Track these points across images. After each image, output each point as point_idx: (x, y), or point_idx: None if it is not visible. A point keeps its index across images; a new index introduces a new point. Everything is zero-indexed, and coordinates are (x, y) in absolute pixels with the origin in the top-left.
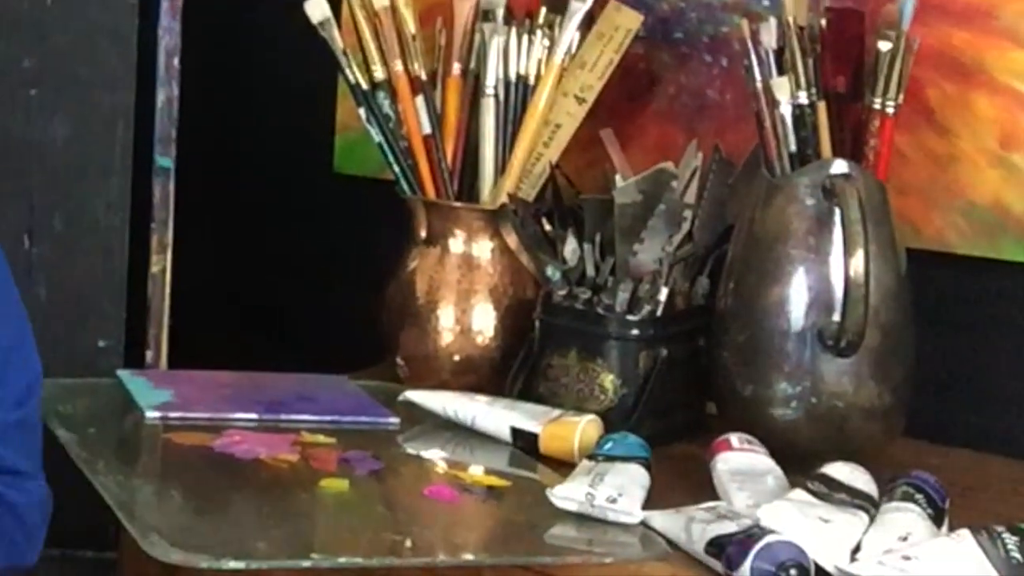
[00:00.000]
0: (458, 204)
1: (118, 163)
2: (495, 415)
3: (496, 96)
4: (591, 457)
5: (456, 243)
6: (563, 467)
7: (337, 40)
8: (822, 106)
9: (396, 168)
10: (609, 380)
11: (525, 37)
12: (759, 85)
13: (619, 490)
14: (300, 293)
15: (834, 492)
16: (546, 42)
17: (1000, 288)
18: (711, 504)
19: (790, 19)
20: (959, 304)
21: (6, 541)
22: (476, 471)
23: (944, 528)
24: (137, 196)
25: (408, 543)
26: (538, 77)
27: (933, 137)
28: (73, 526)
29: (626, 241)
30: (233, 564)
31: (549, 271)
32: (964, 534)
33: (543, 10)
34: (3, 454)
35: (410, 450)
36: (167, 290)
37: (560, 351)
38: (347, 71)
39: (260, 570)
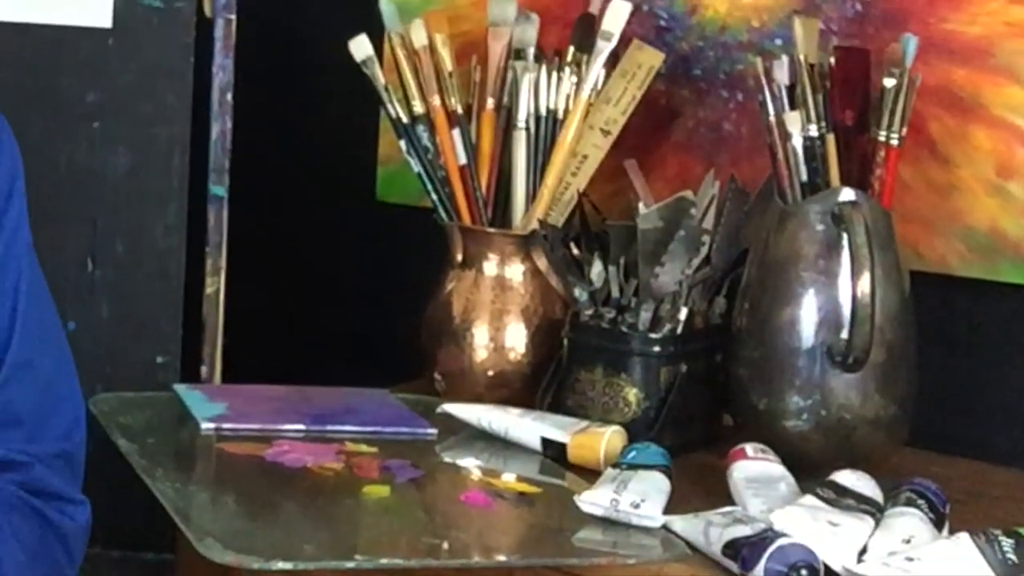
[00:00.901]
0: (492, 230)
1: (175, 191)
2: (526, 426)
3: (527, 129)
4: (615, 465)
5: (490, 266)
6: (590, 475)
7: (379, 77)
8: (831, 138)
9: (434, 196)
10: (632, 394)
11: (554, 74)
12: (772, 119)
13: (642, 496)
14: (344, 312)
15: (842, 498)
16: (574, 79)
17: (997, 308)
18: (727, 509)
19: (801, 57)
20: (959, 323)
21: (51, 563)
22: (509, 478)
23: (944, 531)
24: (193, 222)
25: (445, 545)
26: (566, 111)
27: (934, 167)
28: (133, 529)
29: (648, 264)
30: (282, 565)
31: (577, 292)
32: (963, 537)
33: (571, 49)
34: (52, 482)
35: (447, 459)
36: (221, 310)
37: (587, 367)
38: (388, 106)
39: (307, 570)
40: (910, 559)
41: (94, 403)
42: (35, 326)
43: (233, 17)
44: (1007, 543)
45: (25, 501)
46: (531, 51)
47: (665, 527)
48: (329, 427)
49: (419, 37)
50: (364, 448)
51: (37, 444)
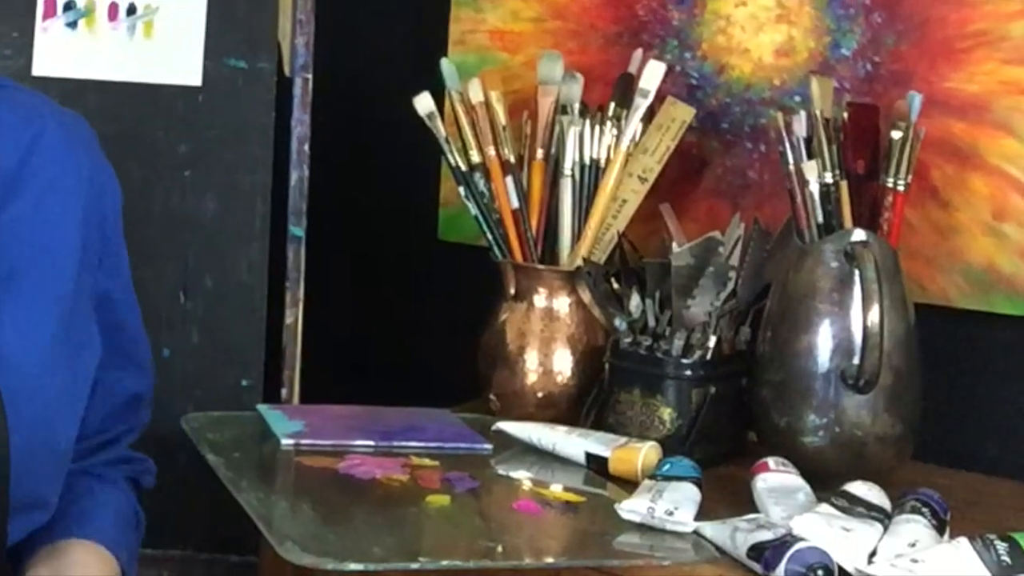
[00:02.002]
0: (541, 266)
1: (258, 232)
2: (572, 442)
3: (573, 176)
4: (652, 477)
5: (540, 299)
6: (628, 485)
7: (441, 129)
8: (844, 185)
9: (490, 236)
10: (667, 413)
11: (597, 127)
12: (792, 167)
13: (675, 504)
14: (409, 339)
15: (854, 506)
16: (614, 131)
17: (993, 337)
18: (752, 516)
19: (818, 112)
20: (958, 350)
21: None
22: (556, 489)
23: (946, 536)
24: (274, 259)
25: (499, 549)
26: (608, 161)
27: (937, 210)
28: (220, 534)
29: (681, 297)
30: (353, 566)
31: (617, 322)
32: (962, 541)
33: (612, 105)
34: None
35: (501, 471)
36: (299, 338)
37: (626, 389)
38: (449, 155)
39: (376, 571)
40: (915, 561)
41: (185, 421)
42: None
43: (310, 76)
44: (1002, 547)
45: (133, 478)
46: (576, 107)
47: (696, 532)
48: (396, 443)
49: (476, 94)
50: (427, 462)
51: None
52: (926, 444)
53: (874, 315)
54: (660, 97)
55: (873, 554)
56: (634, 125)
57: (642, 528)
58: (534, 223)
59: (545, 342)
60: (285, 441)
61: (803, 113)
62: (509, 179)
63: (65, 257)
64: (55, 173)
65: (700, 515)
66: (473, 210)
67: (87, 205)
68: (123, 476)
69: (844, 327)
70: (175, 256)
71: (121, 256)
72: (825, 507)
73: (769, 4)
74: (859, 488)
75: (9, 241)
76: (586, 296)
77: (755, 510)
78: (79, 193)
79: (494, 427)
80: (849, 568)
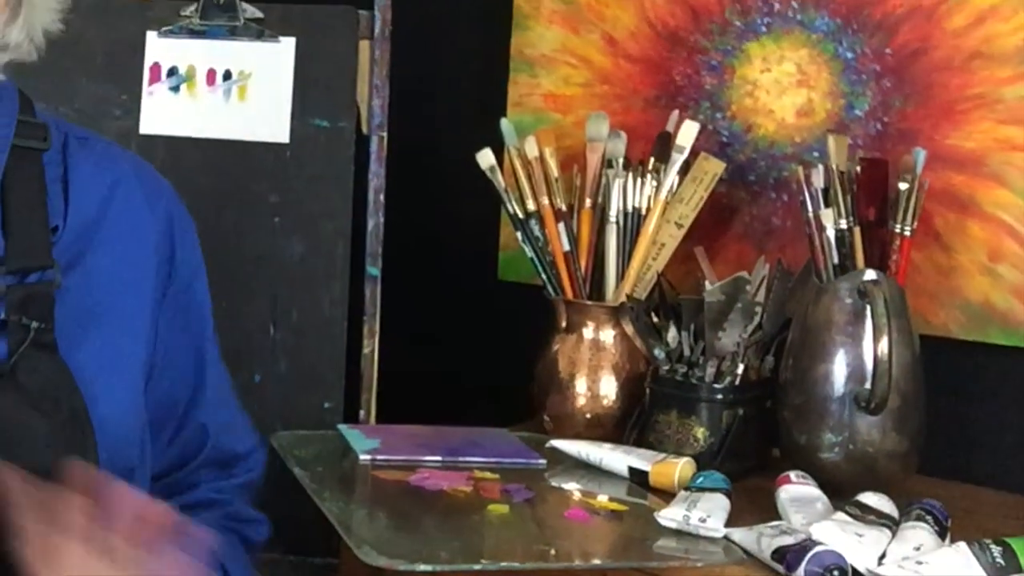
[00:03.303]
0: (589, 302)
1: (339, 272)
2: (616, 457)
3: (617, 223)
4: (687, 488)
5: (588, 331)
6: (666, 496)
7: (500, 181)
8: (857, 230)
9: (544, 276)
10: (700, 432)
11: (639, 179)
12: (811, 215)
13: (708, 513)
14: (472, 367)
15: (866, 514)
16: (654, 183)
17: (989, 364)
18: (776, 523)
19: (834, 166)
20: (958, 376)
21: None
22: (603, 499)
23: (947, 541)
24: (353, 296)
25: (552, 552)
26: (648, 209)
27: (939, 253)
28: (306, 539)
29: (713, 329)
30: (423, 567)
31: (656, 352)
32: (961, 545)
33: (652, 159)
34: (245, 511)
35: (554, 483)
36: (375, 365)
37: (664, 410)
38: (507, 204)
39: (443, 572)
40: (920, 563)
41: (274, 439)
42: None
43: (385, 134)
44: (996, 550)
45: (234, 529)
46: (620, 161)
47: (726, 537)
48: (460, 458)
49: (532, 150)
50: (488, 475)
51: (232, 479)
52: (929, 459)
53: (883, 346)
54: (694, 153)
55: (883, 557)
56: (671, 177)
57: (678, 534)
58: (583, 264)
59: (593, 369)
60: (363, 457)
61: (821, 167)
62: (561, 225)
63: (144, 296)
64: (134, 220)
65: (730, 522)
66: (529, 253)
67: (158, 244)
68: (225, 527)
69: (857, 356)
70: (266, 293)
71: (191, 308)
72: (840, 515)
73: (791, 70)
74: (870, 498)
75: (94, 284)
76: (629, 329)
77: (778, 517)
78: (155, 238)
79: (548, 444)
80: (862, 569)
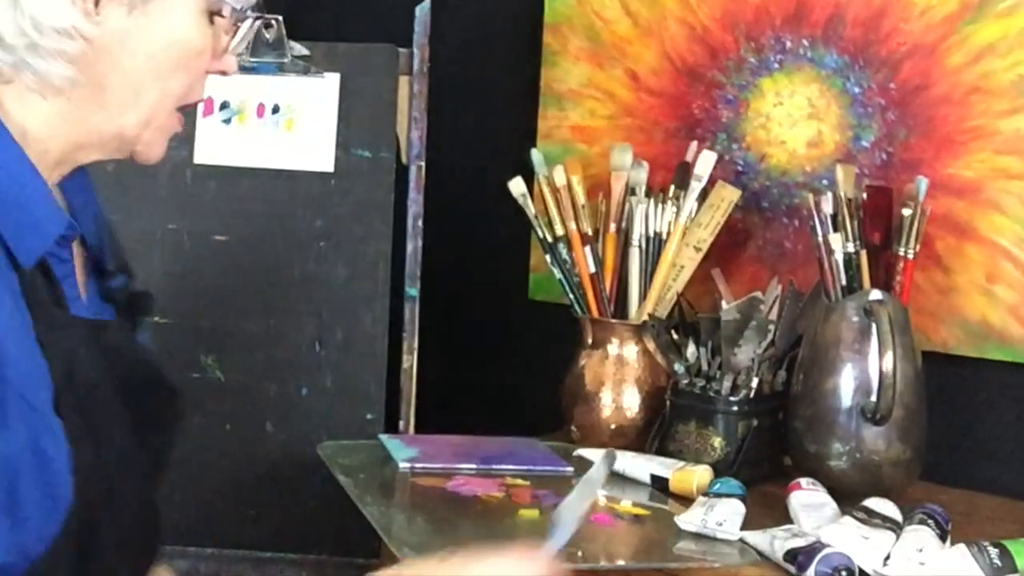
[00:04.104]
0: (614, 320)
1: (380, 292)
2: (639, 465)
3: (639, 247)
4: (705, 494)
5: (612, 347)
6: (686, 501)
7: (530, 207)
8: (864, 253)
9: (571, 296)
10: (717, 441)
11: (660, 206)
12: (820, 239)
13: (724, 517)
14: (505, 380)
15: (872, 518)
16: (674, 209)
17: (986, 378)
18: (788, 526)
19: (842, 194)
20: (958, 389)
21: None
22: (626, 504)
23: (947, 543)
24: (393, 315)
25: (580, 553)
26: (668, 233)
27: (939, 274)
28: (349, 541)
29: (729, 346)
30: None
31: (676, 366)
32: (961, 547)
33: (672, 187)
34: None
35: None
36: (413, 380)
37: (683, 421)
38: (537, 229)
39: None
40: (922, 563)
41: (320, 448)
42: None
43: (423, 163)
44: (993, 552)
45: None
46: (643, 189)
47: (741, 540)
48: (494, 466)
49: (560, 178)
50: (519, 482)
51: None
52: (931, 467)
53: (888, 361)
54: (712, 181)
55: (887, 558)
56: (690, 204)
57: (697, 536)
58: (608, 285)
59: (617, 383)
60: (402, 465)
61: (830, 194)
62: (587, 249)
63: None
64: None
65: (745, 525)
66: (557, 274)
67: None
68: None
69: (863, 371)
70: (312, 312)
71: None
72: (848, 519)
73: (802, 104)
74: (876, 503)
75: None
76: (651, 345)
77: (790, 521)
78: None
79: (575, 453)
80: (868, 569)
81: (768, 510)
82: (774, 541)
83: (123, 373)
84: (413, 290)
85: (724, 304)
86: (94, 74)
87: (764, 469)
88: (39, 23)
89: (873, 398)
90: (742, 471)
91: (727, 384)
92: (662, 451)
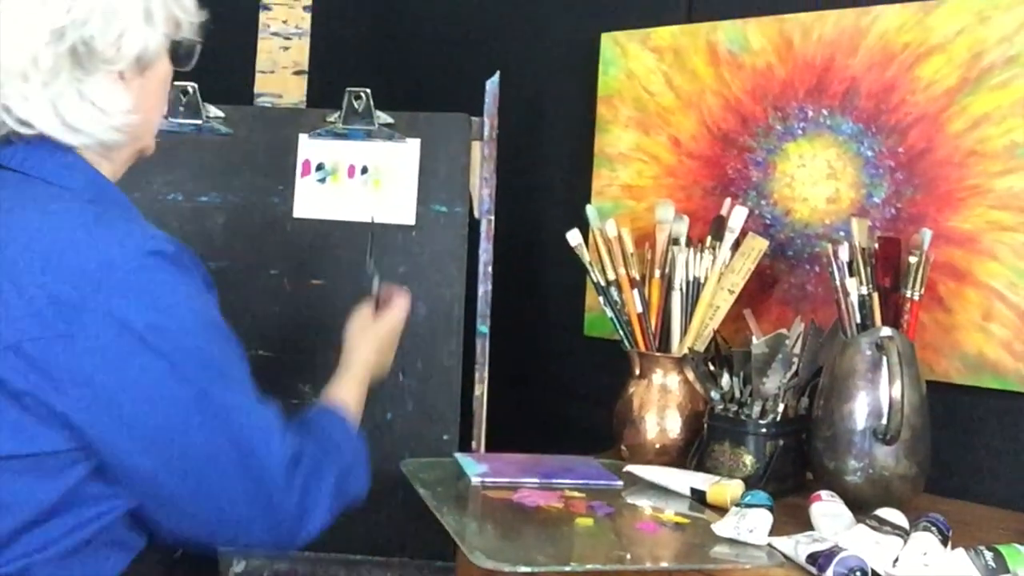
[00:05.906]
0: (658, 354)
1: (455, 329)
2: (680, 480)
3: (680, 290)
4: (737, 505)
5: (657, 377)
6: (721, 511)
7: (585, 255)
8: (876, 295)
9: (621, 332)
10: (748, 459)
11: (698, 254)
12: (838, 283)
13: (754, 525)
14: (564, 406)
15: (883, 526)
16: (711, 257)
17: (983, 404)
18: (809, 533)
19: (856, 244)
20: (958, 414)
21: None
22: (669, 513)
23: (948, 547)
24: (467, 349)
25: (628, 556)
26: (706, 278)
27: (942, 313)
28: (428, 546)
29: (758, 376)
30: (523, 568)
31: (712, 394)
32: (960, 551)
33: (709, 238)
34: None
35: (629, 501)
36: (484, 405)
37: (719, 442)
38: (592, 274)
39: (538, 573)
40: (926, 565)
41: (403, 465)
42: None
43: (492, 218)
44: (988, 555)
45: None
46: (683, 239)
47: (769, 545)
48: (554, 480)
49: (611, 230)
50: (576, 494)
51: None
52: (934, 481)
53: (897, 389)
54: (743, 232)
55: (896, 560)
56: (725, 253)
57: (731, 542)
58: (653, 323)
59: (661, 408)
60: (475, 479)
61: (846, 244)
62: (635, 291)
63: None
64: None
65: (772, 532)
66: (609, 314)
67: None
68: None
69: (875, 397)
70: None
71: None
72: (862, 527)
73: (822, 166)
74: (886, 513)
75: None
76: (690, 375)
77: (811, 528)
78: None
79: (624, 469)
80: (880, 570)
81: (792, 519)
82: (797, 546)
83: None
84: (484, 327)
85: (754, 340)
86: (135, 133)
87: (789, 483)
88: (104, 108)
89: (884, 421)
90: (770, 485)
91: (757, 409)
92: (700, 467)
